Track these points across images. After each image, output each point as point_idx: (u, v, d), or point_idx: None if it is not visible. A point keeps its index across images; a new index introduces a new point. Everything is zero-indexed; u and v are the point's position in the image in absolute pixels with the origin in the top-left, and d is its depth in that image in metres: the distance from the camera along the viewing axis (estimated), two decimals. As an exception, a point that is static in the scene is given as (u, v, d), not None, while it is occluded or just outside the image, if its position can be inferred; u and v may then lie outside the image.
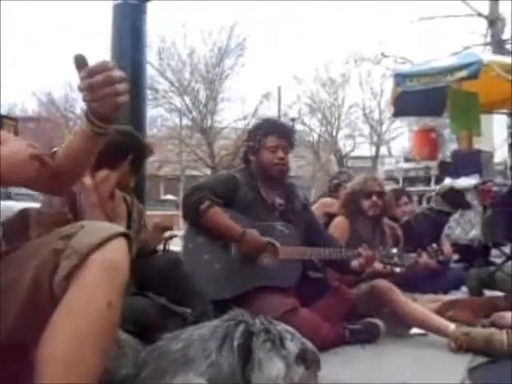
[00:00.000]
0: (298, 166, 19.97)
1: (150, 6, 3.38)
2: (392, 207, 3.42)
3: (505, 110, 9.19)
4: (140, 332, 1.64)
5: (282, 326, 1.52)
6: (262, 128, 2.59)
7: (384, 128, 23.11)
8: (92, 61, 1.06)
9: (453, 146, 9.45)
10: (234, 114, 21.73)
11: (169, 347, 1.46)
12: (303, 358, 1.46)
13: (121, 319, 1.05)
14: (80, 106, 20.74)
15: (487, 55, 7.61)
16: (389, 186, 3.81)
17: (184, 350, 1.43)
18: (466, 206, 4.69)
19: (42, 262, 1.01)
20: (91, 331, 0.95)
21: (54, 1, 26.57)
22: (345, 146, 23.60)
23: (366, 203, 2.98)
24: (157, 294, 1.98)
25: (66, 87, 20.54)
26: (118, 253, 1.02)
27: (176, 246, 2.66)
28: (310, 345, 1.53)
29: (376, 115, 22.79)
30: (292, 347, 1.47)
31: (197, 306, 1.96)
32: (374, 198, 2.98)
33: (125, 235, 1.06)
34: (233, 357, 1.41)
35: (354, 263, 2.49)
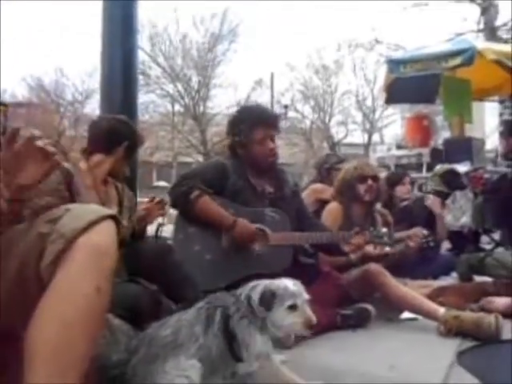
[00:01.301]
0: (291, 153, 19.97)
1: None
2: (385, 193, 3.44)
3: (496, 98, 9.22)
4: (132, 318, 1.65)
5: (247, 290, 1.53)
6: (246, 120, 2.51)
7: (377, 115, 23.13)
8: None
9: (445, 134, 9.46)
10: (227, 100, 21.72)
11: (158, 333, 1.47)
12: (264, 302, 1.48)
13: (113, 305, 1.04)
14: (71, 91, 20.58)
15: (480, 42, 7.61)
16: (382, 173, 3.82)
17: (173, 336, 1.45)
18: (463, 187, 4.74)
19: (29, 247, 1.00)
20: (79, 317, 0.94)
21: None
22: (337, 133, 23.62)
23: (361, 188, 2.99)
24: (148, 281, 1.98)
25: (57, 72, 20.36)
26: (105, 236, 1.00)
27: (168, 233, 2.67)
28: (268, 285, 1.53)
29: (369, 102, 22.80)
30: (256, 304, 1.49)
31: (188, 292, 1.97)
32: (370, 181, 2.99)
33: (112, 217, 1.04)
34: (218, 340, 1.45)
35: (345, 246, 2.52)
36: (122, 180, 2.21)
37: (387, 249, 2.68)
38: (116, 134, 2.12)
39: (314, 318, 1.48)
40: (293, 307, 1.47)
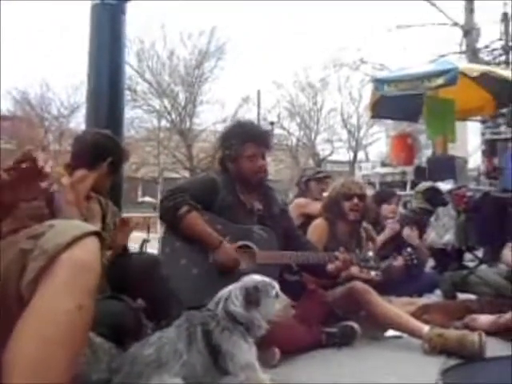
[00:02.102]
0: (277, 169, 20.05)
1: (129, 7, 3.36)
2: (372, 211, 3.44)
3: (479, 118, 9.41)
4: (115, 336, 1.62)
5: (221, 302, 1.57)
6: (238, 135, 2.52)
7: (362, 133, 23.43)
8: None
9: (428, 152, 9.61)
10: (213, 116, 21.74)
11: (141, 352, 1.46)
12: (252, 301, 1.53)
13: (95, 323, 1.02)
14: (56, 106, 20.47)
15: (463, 63, 7.80)
16: (369, 191, 3.84)
17: (156, 354, 1.44)
18: (445, 203, 4.79)
19: (10, 264, 0.97)
20: (60, 335, 0.92)
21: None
22: (323, 150, 23.83)
23: (346, 205, 2.97)
24: (132, 297, 1.95)
25: (43, 86, 20.27)
26: (88, 252, 0.98)
27: (153, 249, 2.64)
28: (246, 284, 1.59)
29: (354, 120, 23.10)
30: (238, 310, 1.53)
31: (173, 308, 1.94)
32: (356, 200, 2.96)
33: (96, 234, 1.03)
34: (203, 356, 1.45)
35: (331, 267, 2.50)
36: (106, 195, 2.18)
37: (373, 273, 2.66)
38: (100, 148, 2.09)
39: (291, 302, 1.60)
40: (277, 295, 1.58)
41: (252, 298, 1.51)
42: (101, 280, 1.01)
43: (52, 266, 0.94)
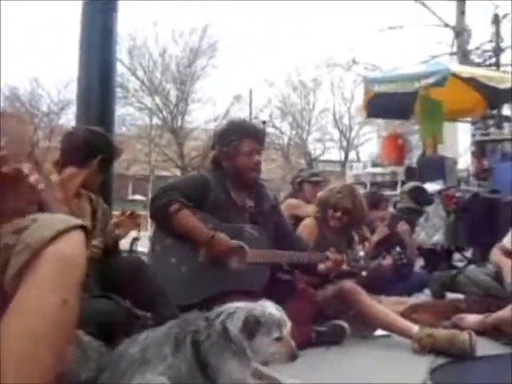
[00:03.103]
0: (268, 168, 20.05)
1: (120, 4, 3.34)
2: (364, 223, 3.36)
3: (469, 119, 9.48)
4: (103, 335, 1.61)
5: (224, 316, 1.44)
6: (237, 132, 2.52)
7: (353, 133, 23.53)
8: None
9: (419, 153, 9.68)
10: (205, 115, 21.69)
11: (126, 350, 1.44)
12: (247, 331, 1.38)
13: (84, 322, 1.01)
14: (46, 102, 20.30)
15: (454, 64, 7.85)
16: (361, 190, 3.84)
17: (141, 353, 1.40)
18: (430, 202, 4.84)
19: None
20: (45, 330, 0.90)
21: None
22: (315, 149, 23.90)
23: (330, 213, 2.95)
24: (121, 296, 1.94)
25: (32, 82, 20.08)
26: (73, 246, 0.96)
27: (143, 247, 2.63)
28: (251, 311, 1.42)
29: (346, 120, 23.18)
30: (235, 332, 1.39)
31: (162, 307, 1.93)
32: (339, 213, 2.92)
33: (82, 228, 1.01)
34: (189, 363, 1.39)
35: (322, 266, 2.51)
36: (97, 193, 2.16)
37: (363, 273, 2.67)
38: (91, 146, 2.06)
39: (296, 349, 1.41)
40: (279, 338, 1.39)
41: (248, 328, 1.37)
42: (89, 279, 1.00)
43: (36, 260, 0.93)
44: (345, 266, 2.61)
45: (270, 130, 21.60)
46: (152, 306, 1.93)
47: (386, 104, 6.57)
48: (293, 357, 1.41)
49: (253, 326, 1.37)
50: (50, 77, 36.27)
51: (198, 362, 1.40)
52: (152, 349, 1.41)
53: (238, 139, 2.48)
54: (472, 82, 6.15)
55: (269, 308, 1.43)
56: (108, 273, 1.91)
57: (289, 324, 1.43)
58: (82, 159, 2.03)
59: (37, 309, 0.91)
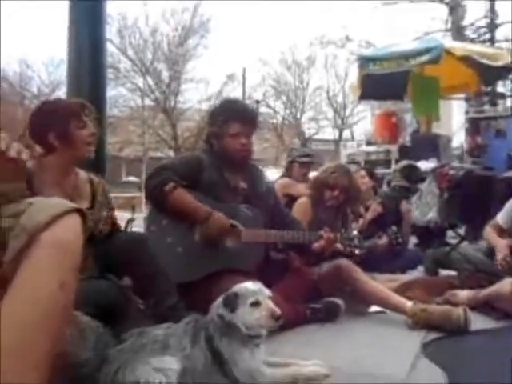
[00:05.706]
0: (262, 148, 19.99)
1: (110, -18, 3.27)
2: (359, 199, 3.40)
3: (463, 96, 9.45)
4: (102, 315, 1.62)
5: (216, 306, 1.59)
6: (224, 113, 2.51)
7: (347, 112, 23.40)
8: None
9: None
10: (198, 95, 21.48)
11: (151, 330, 1.54)
12: (227, 304, 1.56)
13: (82, 302, 1.01)
14: (37, 84, 20.01)
15: (448, 41, 7.78)
16: (353, 168, 3.85)
17: (164, 337, 1.51)
18: (422, 179, 4.89)
19: None
20: (43, 315, 0.91)
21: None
22: (309, 128, 23.80)
23: (327, 194, 2.98)
24: (120, 274, 1.95)
25: (21, 64, 19.76)
26: (69, 231, 0.97)
27: (138, 228, 2.63)
28: (232, 288, 1.61)
29: (340, 99, 23.04)
30: (220, 308, 1.56)
31: (161, 285, 1.94)
32: (336, 192, 2.96)
33: (78, 211, 1.01)
34: (205, 357, 1.50)
35: (316, 245, 2.53)
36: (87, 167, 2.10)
37: (357, 252, 2.69)
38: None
39: (277, 310, 1.55)
40: (256, 304, 1.55)
41: (228, 302, 1.55)
42: (88, 259, 1.00)
43: (33, 245, 0.93)
44: (339, 245, 2.62)
45: (263, 109, 21.50)
46: (152, 281, 1.94)
47: (380, 85, 6.51)
48: (276, 318, 1.54)
49: (232, 299, 1.55)
50: (40, 58, 35.65)
51: (214, 358, 1.50)
52: (174, 338, 1.51)
53: (225, 120, 2.47)
54: (466, 59, 6.11)
55: (246, 284, 1.61)
56: (108, 249, 1.91)
57: (266, 292, 1.59)
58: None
59: (34, 294, 0.91)
